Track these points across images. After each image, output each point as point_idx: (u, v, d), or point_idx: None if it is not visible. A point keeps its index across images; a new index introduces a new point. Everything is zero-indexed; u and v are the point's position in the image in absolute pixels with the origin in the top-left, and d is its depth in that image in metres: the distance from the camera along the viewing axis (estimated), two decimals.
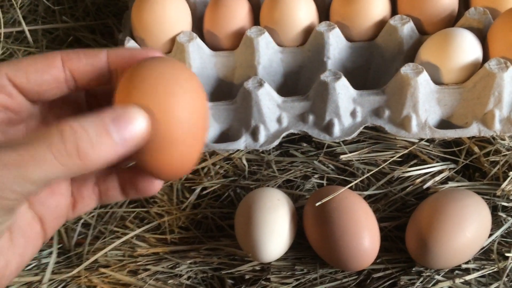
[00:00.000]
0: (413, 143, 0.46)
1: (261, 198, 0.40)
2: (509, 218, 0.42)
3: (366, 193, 0.44)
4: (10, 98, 0.26)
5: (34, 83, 0.25)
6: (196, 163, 0.25)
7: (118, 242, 0.44)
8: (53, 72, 0.25)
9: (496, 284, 0.39)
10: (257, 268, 0.42)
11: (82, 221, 0.46)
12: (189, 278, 0.42)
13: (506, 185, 0.43)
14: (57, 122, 0.22)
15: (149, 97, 0.22)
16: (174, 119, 0.22)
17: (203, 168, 0.48)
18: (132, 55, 0.26)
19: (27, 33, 0.60)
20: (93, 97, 0.30)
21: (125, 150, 0.23)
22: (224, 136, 0.47)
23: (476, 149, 0.45)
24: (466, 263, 0.40)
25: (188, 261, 0.43)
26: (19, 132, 0.27)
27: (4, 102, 0.25)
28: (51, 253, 0.44)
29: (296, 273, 0.41)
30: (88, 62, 0.26)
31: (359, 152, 0.47)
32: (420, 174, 0.45)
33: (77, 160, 0.22)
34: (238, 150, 0.46)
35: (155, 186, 0.28)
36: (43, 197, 0.26)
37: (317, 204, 0.39)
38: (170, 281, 0.42)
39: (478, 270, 0.39)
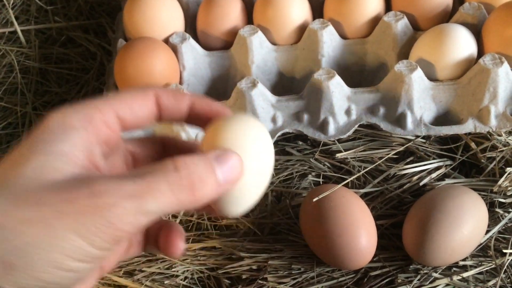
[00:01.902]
0: (409, 140, 0.46)
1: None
2: (506, 214, 0.42)
3: (362, 191, 0.44)
4: (113, 133, 0.26)
5: (134, 115, 0.27)
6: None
7: None
8: (149, 107, 0.27)
9: (493, 281, 0.39)
10: (254, 267, 0.41)
11: None
12: (185, 278, 0.42)
13: (503, 181, 0.42)
14: (170, 158, 0.23)
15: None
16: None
17: None
18: (210, 108, 0.28)
19: (20, 33, 0.59)
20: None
21: (224, 189, 0.24)
22: None
23: (473, 145, 0.45)
24: (464, 260, 0.40)
25: (184, 261, 0.42)
26: (110, 164, 0.28)
27: (108, 137, 0.26)
28: None
29: (293, 272, 0.41)
30: (174, 102, 0.28)
31: (354, 150, 0.46)
32: (416, 171, 0.45)
33: (190, 195, 0.23)
34: None
35: (177, 252, 0.29)
36: None
37: (315, 199, 0.39)
38: (166, 282, 0.42)
39: (475, 267, 0.39)
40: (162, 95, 0.27)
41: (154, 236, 0.29)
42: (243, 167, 0.25)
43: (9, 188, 0.22)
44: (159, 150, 0.31)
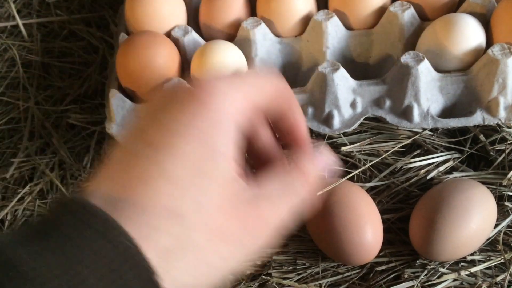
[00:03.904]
0: (416, 133, 0.45)
1: None
2: None
3: (368, 185, 0.43)
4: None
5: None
6: None
7: None
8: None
9: (502, 276, 0.38)
10: (258, 262, 0.41)
11: None
12: None
13: None
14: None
15: None
16: None
17: None
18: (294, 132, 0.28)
19: (22, 27, 0.59)
20: None
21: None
22: None
23: (481, 137, 0.44)
24: (472, 254, 0.39)
25: None
26: None
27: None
28: None
29: (298, 267, 0.40)
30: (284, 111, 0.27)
31: (360, 143, 0.46)
32: (423, 164, 0.44)
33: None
34: None
35: None
36: None
37: (319, 194, 0.38)
38: None
39: (483, 262, 0.39)
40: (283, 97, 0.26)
41: None
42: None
43: (184, 184, 0.21)
44: None
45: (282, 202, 0.24)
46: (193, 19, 0.51)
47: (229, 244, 0.21)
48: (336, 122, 0.44)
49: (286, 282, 0.40)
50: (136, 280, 0.18)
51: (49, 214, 0.20)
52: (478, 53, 0.42)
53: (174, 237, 0.20)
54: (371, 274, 0.40)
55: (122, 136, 0.23)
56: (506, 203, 0.41)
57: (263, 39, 0.47)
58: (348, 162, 0.45)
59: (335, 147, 0.46)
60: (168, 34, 0.47)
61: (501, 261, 0.39)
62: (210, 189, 0.21)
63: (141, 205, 0.20)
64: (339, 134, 0.46)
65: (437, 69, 0.43)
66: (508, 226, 0.40)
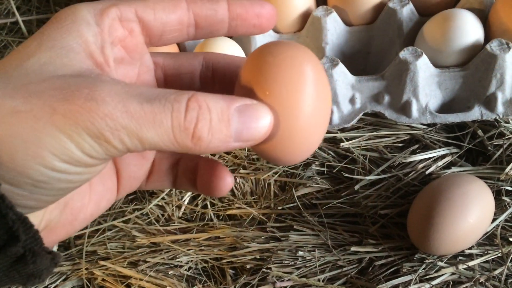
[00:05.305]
0: (415, 128, 0.45)
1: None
2: None
3: (367, 178, 0.44)
4: (130, 35, 0.24)
5: (159, 21, 0.24)
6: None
7: (117, 234, 0.44)
8: (179, 12, 0.24)
9: (500, 270, 0.38)
10: (258, 257, 0.41)
11: None
12: (189, 268, 0.42)
13: (510, 169, 0.42)
14: (187, 90, 0.21)
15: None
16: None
17: None
18: (246, 12, 0.25)
19: (21, 24, 0.59)
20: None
21: (238, 146, 0.22)
22: None
23: (480, 132, 0.44)
24: (470, 248, 0.39)
25: (188, 251, 0.42)
26: (127, 74, 0.25)
27: (123, 37, 0.24)
28: None
29: (298, 262, 0.41)
30: (210, 9, 0.24)
31: (359, 139, 0.46)
32: (422, 159, 0.44)
33: (191, 142, 0.21)
34: None
35: (226, 187, 0.27)
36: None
37: None
38: (170, 272, 0.42)
39: (481, 256, 0.39)
40: (195, 1, 0.24)
41: (189, 174, 0.27)
42: (271, 128, 0.21)
43: (9, 79, 0.20)
44: (200, 67, 0.27)
45: (133, 102, 0.20)
46: None
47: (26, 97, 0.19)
48: (335, 117, 0.44)
49: (285, 276, 0.40)
50: None
51: None
52: (476, 49, 0.43)
53: None
54: (370, 268, 0.40)
55: None
56: (504, 198, 0.41)
57: (262, 35, 0.47)
58: (347, 157, 0.46)
59: (334, 142, 0.46)
60: None
61: (499, 255, 0.39)
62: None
63: None
64: (338, 130, 0.46)
65: (436, 65, 0.43)
66: (506, 220, 0.41)
